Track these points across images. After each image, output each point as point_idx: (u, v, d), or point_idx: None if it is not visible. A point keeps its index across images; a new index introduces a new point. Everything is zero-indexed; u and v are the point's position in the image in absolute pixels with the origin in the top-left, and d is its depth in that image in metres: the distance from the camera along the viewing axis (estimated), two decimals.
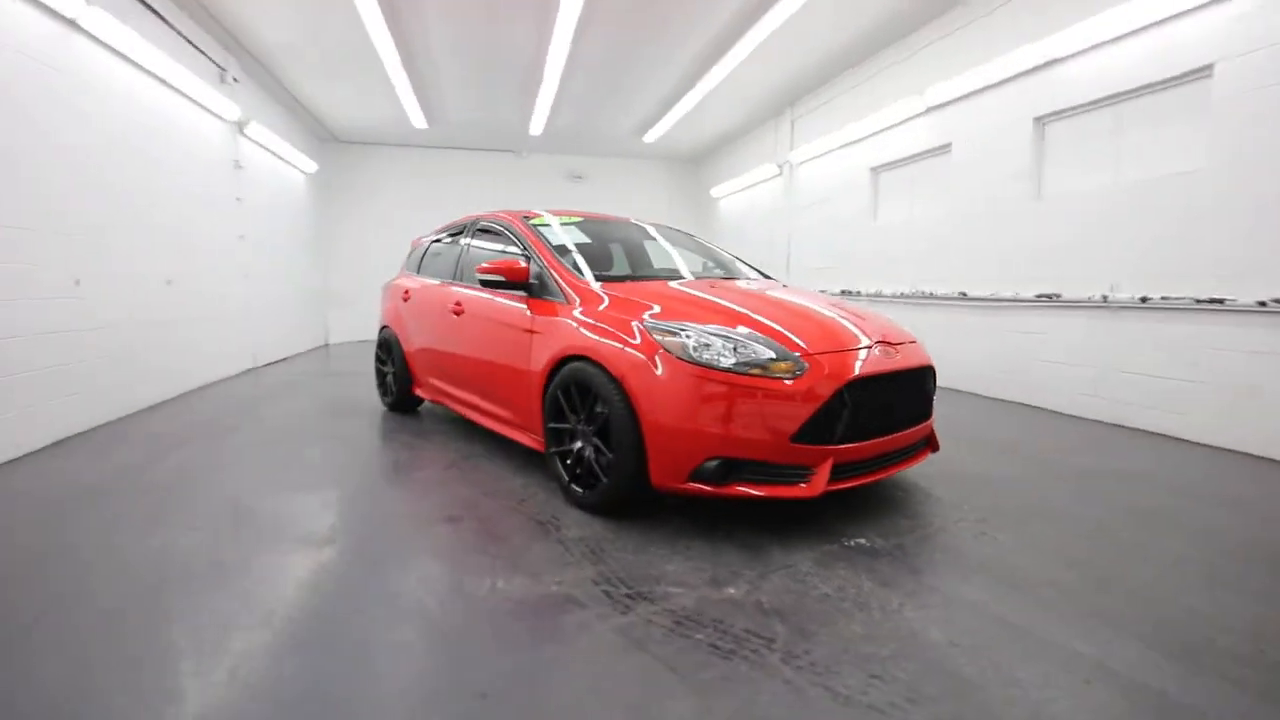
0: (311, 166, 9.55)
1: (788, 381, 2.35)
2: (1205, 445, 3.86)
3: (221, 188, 6.64)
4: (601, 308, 2.84)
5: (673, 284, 3.25)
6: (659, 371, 2.44)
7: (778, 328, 2.59)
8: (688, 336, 2.47)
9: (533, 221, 3.67)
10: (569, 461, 2.85)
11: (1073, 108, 4.74)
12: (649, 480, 2.50)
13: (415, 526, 2.61)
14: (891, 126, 6.65)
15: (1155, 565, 2.25)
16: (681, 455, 2.40)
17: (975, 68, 5.42)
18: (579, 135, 10.45)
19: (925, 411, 2.82)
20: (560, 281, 3.12)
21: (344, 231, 11.14)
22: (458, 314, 3.82)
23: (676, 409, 2.39)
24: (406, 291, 4.66)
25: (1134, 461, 3.56)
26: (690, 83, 7.83)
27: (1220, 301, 3.75)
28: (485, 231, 4.05)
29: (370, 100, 8.54)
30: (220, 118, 6.54)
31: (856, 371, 2.47)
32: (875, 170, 7.10)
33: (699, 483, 2.39)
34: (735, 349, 2.41)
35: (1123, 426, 4.35)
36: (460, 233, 4.37)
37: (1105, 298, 4.44)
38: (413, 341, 4.50)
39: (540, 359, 3.00)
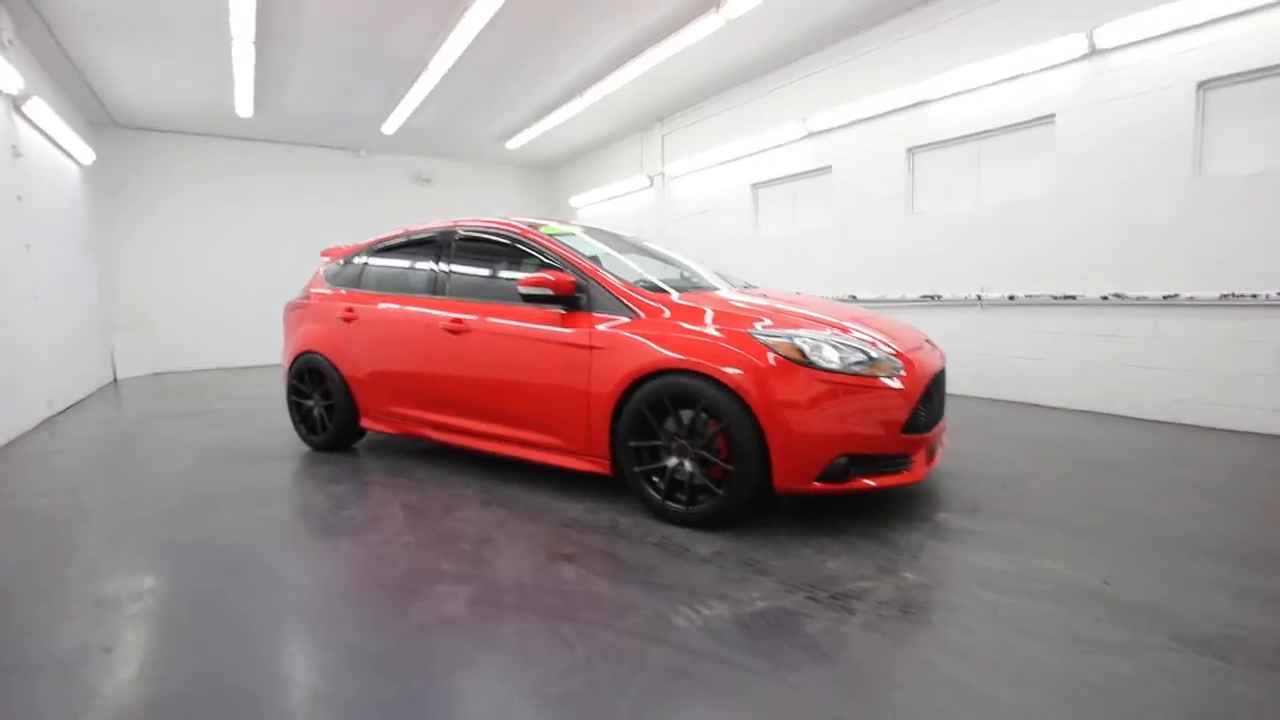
0: (88, 156, 7.58)
1: (894, 378, 2.58)
2: (1063, 409, 4.99)
3: None
4: (706, 319, 2.79)
5: (722, 293, 3.31)
6: (782, 380, 2.51)
7: (868, 331, 2.81)
8: (804, 343, 2.57)
9: (550, 232, 3.45)
10: (655, 479, 2.78)
11: (940, 141, 5.76)
12: (771, 487, 2.55)
13: (540, 572, 2.32)
14: (775, 147, 7.36)
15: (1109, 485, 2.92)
16: (809, 457, 2.50)
17: (855, 101, 6.28)
18: (434, 136, 9.77)
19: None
20: (623, 295, 2.99)
21: (130, 238, 9.03)
22: (456, 332, 3.43)
23: (805, 414, 2.48)
24: (350, 310, 4.02)
25: (1030, 426, 4.49)
26: (572, 95, 7.82)
27: (1073, 297, 4.88)
28: (473, 242, 3.68)
29: (187, 79, 7.08)
30: None
31: (933, 368, 2.80)
32: (756, 186, 7.78)
33: (826, 482, 2.51)
34: (846, 352, 2.58)
35: (1001, 400, 5.40)
36: (426, 243, 3.90)
37: (979, 297, 5.48)
38: (361, 367, 3.90)
39: (608, 377, 2.86)
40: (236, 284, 9.62)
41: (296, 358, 4.28)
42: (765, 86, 7.39)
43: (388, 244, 4.15)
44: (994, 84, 5.26)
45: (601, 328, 2.94)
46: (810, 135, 6.89)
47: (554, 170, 12.28)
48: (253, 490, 3.39)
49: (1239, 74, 4.04)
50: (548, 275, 3.01)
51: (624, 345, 2.85)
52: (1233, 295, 4.09)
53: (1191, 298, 4.27)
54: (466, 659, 1.74)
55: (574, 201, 11.37)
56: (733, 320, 2.76)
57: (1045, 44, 4.81)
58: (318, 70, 6.93)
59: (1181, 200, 4.31)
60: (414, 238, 4.02)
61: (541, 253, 3.31)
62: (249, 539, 2.70)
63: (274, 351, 5.87)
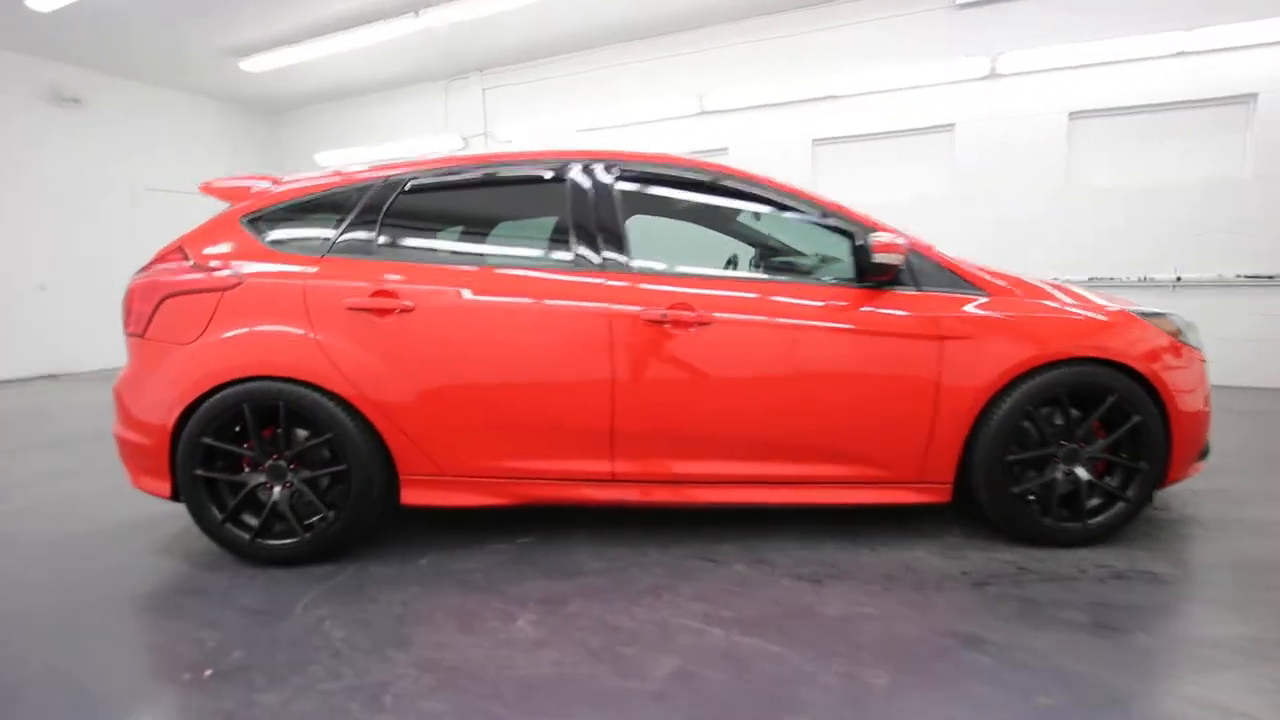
0: None
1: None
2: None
3: None
4: (1060, 297, 2.29)
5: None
6: (1177, 361, 2.27)
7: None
8: (1177, 321, 2.36)
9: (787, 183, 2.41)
10: (1030, 497, 2.23)
11: (843, 137, 6.14)
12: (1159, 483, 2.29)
13: (943, 662, 1.57)
14: (664, 120, 6.82)
15: None
16: (1196, 441, 2.33)
17: (755, 84, 6.24)
18: (107, 29, 6.23)
19: None
20: (955, 266, 2.28)
21: None
22: (682, 326, 2.15)
23: (1197, 397, 2.30)
24: (389, 294, 2.18)
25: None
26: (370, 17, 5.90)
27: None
28: (650, 182, 2.37)
29: None
30: None
31: None
32: None
33: (1199, 462, 2.38)
34: (1190, 329, 2.45)
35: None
36: (534, 183, 2.37)
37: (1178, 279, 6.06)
38: (418, 396, 2.17)
39: (974, 374, 2.16)
40: None
41: (215, 391, 2.14)
42: (650, 51, 6.78)
43: (430, 181, 2.38)
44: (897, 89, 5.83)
45: (964, 309, 2.20)
46: (704, 113, 6.60)
47: (294, 113, 9.17)
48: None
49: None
50: (895, 238, 2.11)
51: (996, 331, 2.19)
52: None
53: None
54: None
55: (325, 160, 8.71)
56: (1084, 300, 2.36)
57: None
58: None
59: None
60: (504, 172, 2.41)
61: (802, 205, 2.31)
62: None
63: None
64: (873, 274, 2.17)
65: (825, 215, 2.31)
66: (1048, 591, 1.96)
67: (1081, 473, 2.22)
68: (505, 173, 2.40)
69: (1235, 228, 4.90)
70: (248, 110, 8.93)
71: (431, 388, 2.18)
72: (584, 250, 2.25)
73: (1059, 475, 2.22)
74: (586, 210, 2.28)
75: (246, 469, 2.22)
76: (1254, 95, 4.74)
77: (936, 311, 2.19)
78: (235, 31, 6.34)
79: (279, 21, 6.14)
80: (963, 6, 5.36)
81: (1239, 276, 4.97)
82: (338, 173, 2.42)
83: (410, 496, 2.26)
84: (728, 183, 2.37)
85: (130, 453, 2.29)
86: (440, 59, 7.13)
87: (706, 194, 2.43)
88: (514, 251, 2.51)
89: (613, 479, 2.25)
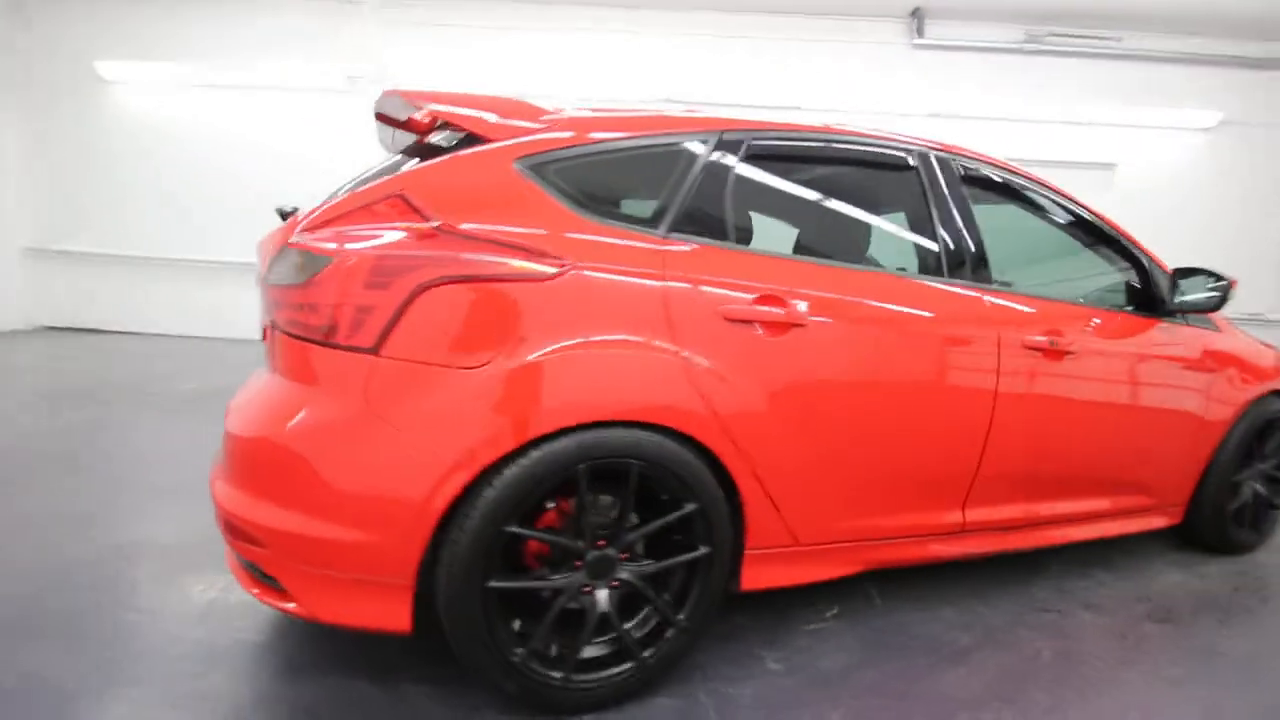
0: None
1: None
2: None
3: None
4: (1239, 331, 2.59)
5: None
6: None
7: None
8: None
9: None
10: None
11: None
12: None
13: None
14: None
15: None
16: None
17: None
18: None
19: None
20: None
21: None
22: (1052, 355, 1.93)
23: None
24: (776, 302, 1.54)
25: None
26: None
27: None
28: (981, 185, 2.05)
29: None
30: None
31: None
32: None
33: None
34: None
35: None
36: (883, 167, 1.91)
37: None
38: (797, 446, 1.60)
39: (1229, 398, 2.38)
40: None
41: (531, 446, 1.31)
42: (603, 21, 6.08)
43: (768, 144, 1.74)
44: None
45: (1216, 344, 2.36)
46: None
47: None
48: None
49: None
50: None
51: (1235, 364, 2.40)
52: None
53: None
54: None
55: (108, 71, 6.22)
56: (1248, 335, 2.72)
57: None
58: None
59: None
60: (858, 150, 1.89)
61: (1083, 220, 2.24)
62: None
63: None
64: (1178, 308, 2.20)
65: (1120, 242, 2.27)
66: None
67: (1260, 488, 2.55)
68: (859, 151, 1.88)
69: None
70: None
71: (815, 430, 1.63)
72: (962, 258, 1.88)
73: (1252, 490, 2.52)
74: (958, 210, 1.91)
75: (548, 570, 1.41)
76: (1113, 164, 6.05)
77: (1205, 344, 2.32)
78: None
79: None
80: (918, 47, 5.87)
81: None
82: (657, 116, 1.65)
83: (753, 578, 1.66)
84: (1050, 198, 2.19)
85: (309, 556, 1.29)
86: None
87: (1027, 205, 2.22)
88: (879, 252, 1.99)
89: (962, 530, 1.94)
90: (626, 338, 1.41)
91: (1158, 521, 2.39)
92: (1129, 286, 2.32)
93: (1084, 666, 1.77)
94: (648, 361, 1.42)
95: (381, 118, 1.70)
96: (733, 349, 1.51)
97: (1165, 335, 2.23)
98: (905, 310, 1.75)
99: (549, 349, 1.35)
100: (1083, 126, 5.97)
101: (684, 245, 1.54)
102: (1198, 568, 2.42)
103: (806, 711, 1.52)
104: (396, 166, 1.63)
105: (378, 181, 1.45)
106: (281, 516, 1.28)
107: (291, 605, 1.31)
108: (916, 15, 5.87)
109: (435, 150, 1.57)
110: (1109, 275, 2.34)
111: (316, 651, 1.63)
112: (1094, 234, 2.28)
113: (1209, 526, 2.44)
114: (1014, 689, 1.65)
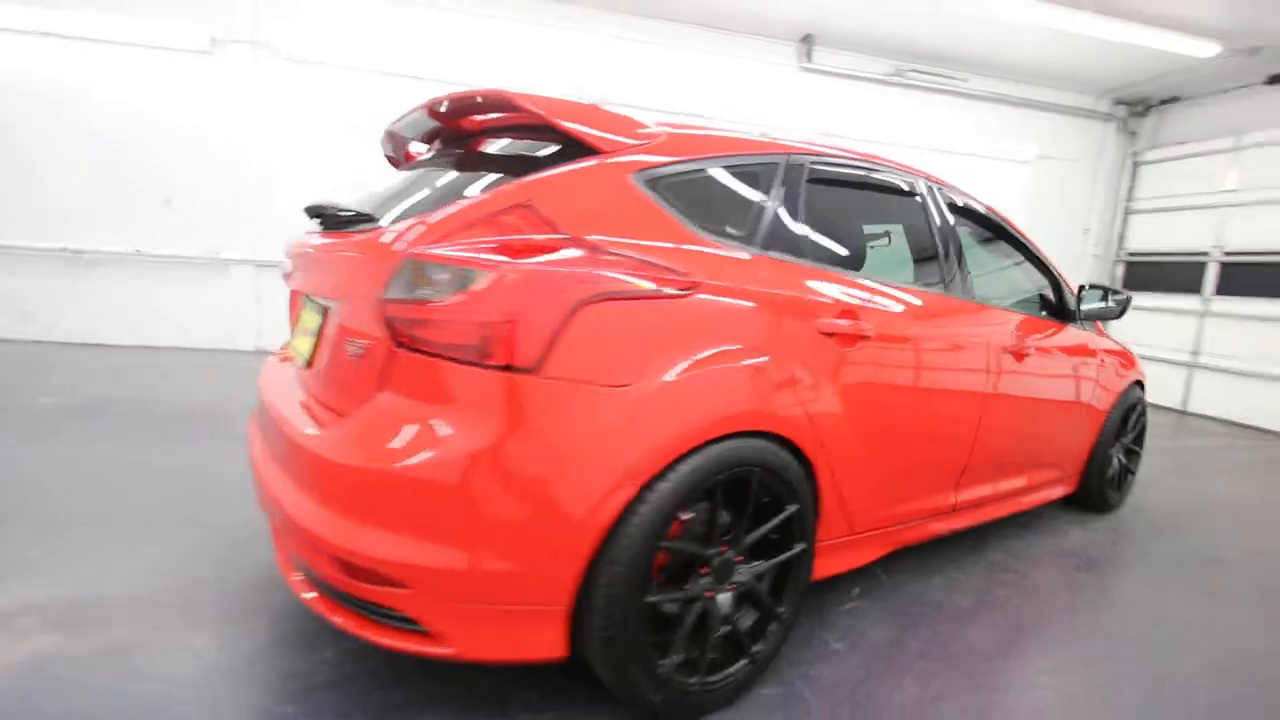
0: None
1: None
2: None
3: None
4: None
5: None
6: None
7: None
8: None
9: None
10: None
11: None
12: None
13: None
14: None
15: None
16: None
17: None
18: None
19: None
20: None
21: None
22: (1018, 355, 2.31)
23: None
24: (851, 315, 1.69)
25: None
26: None
27: None
28: (962, 214, 2.37)
29: None
30: None
31: None
32: None
33: None
34: None
35: None
36: (895, 193, 2.14)
37: None
38: (858, 447, 1.79)
39: (1112, 385, 2.96)
40: None
41: (679, 461, 1.33)
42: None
43: (824, 168, 1.90)
44: None
45: (1098, 335, 2.96)
46: None
47: None
48: None
49: None
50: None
51: (1116, 356, 3.01)
52: None
53: None
54: None
55: None
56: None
57: None
58: None
59: None
60: (878, 176, 2.09)
61: (1017, 241, 2.68)
62: None
63: None
64: (1085, 316, 2.72)
65: (1040, 260, 2.74)
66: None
67: (1122, 458, 3.22)
68: (879, 177, 2.08)
69: None
70: None
71: (869, 430, 1.82)
72: (957, 273, 2.18)
73: (1118, 461, 3.18)
74: (947, 232, 2.20)
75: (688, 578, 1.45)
76: None
77: (1098, 345, 2.89)
78: None
79: None
80: (806, 70, 6.41)
81: None
82: (744, 138, 1.72)
83: (822, 568, 1.82)
84: (995, 222, 2.58)
85: (463, 591, 1.23)
86: None
87: (985, 227, 2.58)
88: (902, 269, 2.19)
89: (954, 510, 2.26)
90: (749, 351, 1.49)
91: (1064, 490, 2.94)
92: (1043, 298, 2.82)
93: (1055, 610, 2.18)
94: (768, 374, 1.50)
95: (434, 114, 1.62)
96: (820, 359, 1.65)
97: (1074, 338, 2.76)
98: (940, 321, 2.02)
99: (688, 363, 1.38)
100: (945, 154, 6.91)
101: (782, 260, 1.64)
102: (1090, 524, 3.02)
103: (882, 683, 1.71)
104: (424, 179, 1.59)
105: (494, 191, 1.37)
106: (428, 552, 1.18)
107: (443, 649, 1.21)
108: (807, 41, 6.41)
109: (483, 159, 1.56)
110: (1031, 288, 2.82)
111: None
112: (1023, 253, 2.73)
113: (1094, 491, 3.04)
114: (1022, 636, 1.99)
